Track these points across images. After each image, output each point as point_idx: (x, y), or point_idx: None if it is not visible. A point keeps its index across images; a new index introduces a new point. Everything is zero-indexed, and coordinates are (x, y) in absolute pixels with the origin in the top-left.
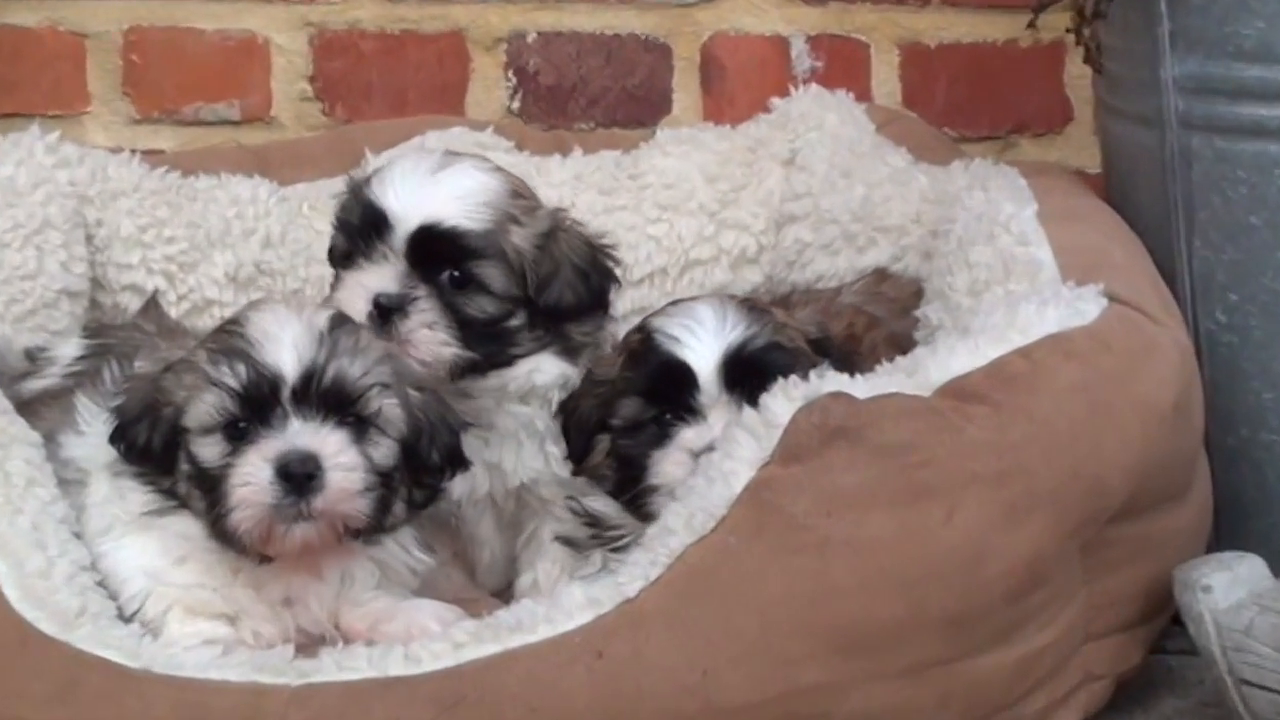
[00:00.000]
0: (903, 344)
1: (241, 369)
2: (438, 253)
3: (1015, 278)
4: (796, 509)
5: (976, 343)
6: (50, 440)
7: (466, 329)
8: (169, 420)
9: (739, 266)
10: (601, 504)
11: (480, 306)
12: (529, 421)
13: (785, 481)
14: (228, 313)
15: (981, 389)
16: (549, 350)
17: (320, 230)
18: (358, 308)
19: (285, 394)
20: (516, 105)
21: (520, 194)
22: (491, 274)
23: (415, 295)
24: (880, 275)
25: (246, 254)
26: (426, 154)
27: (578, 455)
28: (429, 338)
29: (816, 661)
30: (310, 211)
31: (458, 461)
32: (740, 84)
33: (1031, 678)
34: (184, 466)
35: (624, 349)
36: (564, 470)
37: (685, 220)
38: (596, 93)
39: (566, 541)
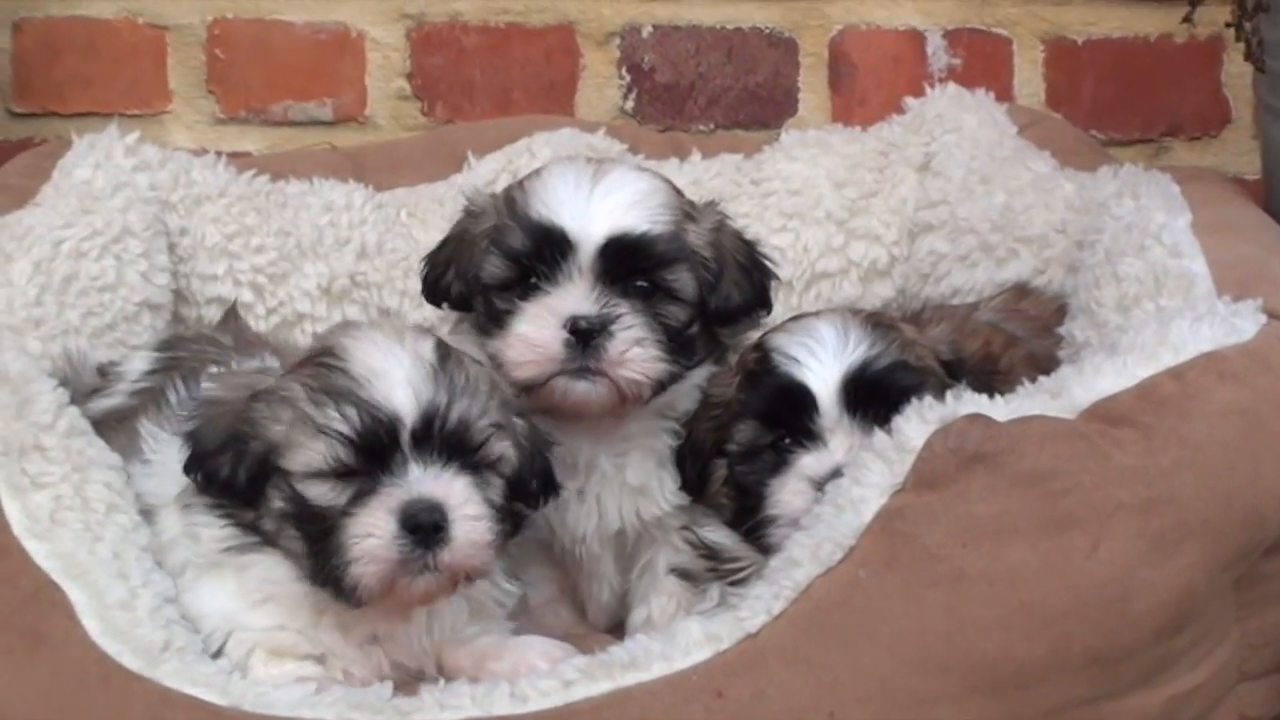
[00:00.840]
0: (1043, 365)
1: (354, 414)
2: (629, 264)
3: (1167, 292)
4: (931, 539)
5: (1125, 362)
6: None
7: (663, 338)
8: (257, 454)
9: (869, 279)
10: (719, 534)
11: (673, 315)
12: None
13: (919, 510)
14: (319, 327)
15: (1130, 412)
16: (709, 361)
17: (420, 240)
18: (550, 335)
19: (404, 438)
20: (630, 105)
21: (680, 192)
22: (682, 279)
23: (617, 313)
24: (1020, 291)
25: (340, 265)
26: (571, 164)
27: (694, 483)
28: (641, 355)
29: (951, 703)
30: (409, 219)
31: (551, 486)
32: (872, 82)
33: (1180, 719)
34: (276, 504)
35: (740, 368)
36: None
37: (812, 230)
38: (716, 92)
39: (683, 574)
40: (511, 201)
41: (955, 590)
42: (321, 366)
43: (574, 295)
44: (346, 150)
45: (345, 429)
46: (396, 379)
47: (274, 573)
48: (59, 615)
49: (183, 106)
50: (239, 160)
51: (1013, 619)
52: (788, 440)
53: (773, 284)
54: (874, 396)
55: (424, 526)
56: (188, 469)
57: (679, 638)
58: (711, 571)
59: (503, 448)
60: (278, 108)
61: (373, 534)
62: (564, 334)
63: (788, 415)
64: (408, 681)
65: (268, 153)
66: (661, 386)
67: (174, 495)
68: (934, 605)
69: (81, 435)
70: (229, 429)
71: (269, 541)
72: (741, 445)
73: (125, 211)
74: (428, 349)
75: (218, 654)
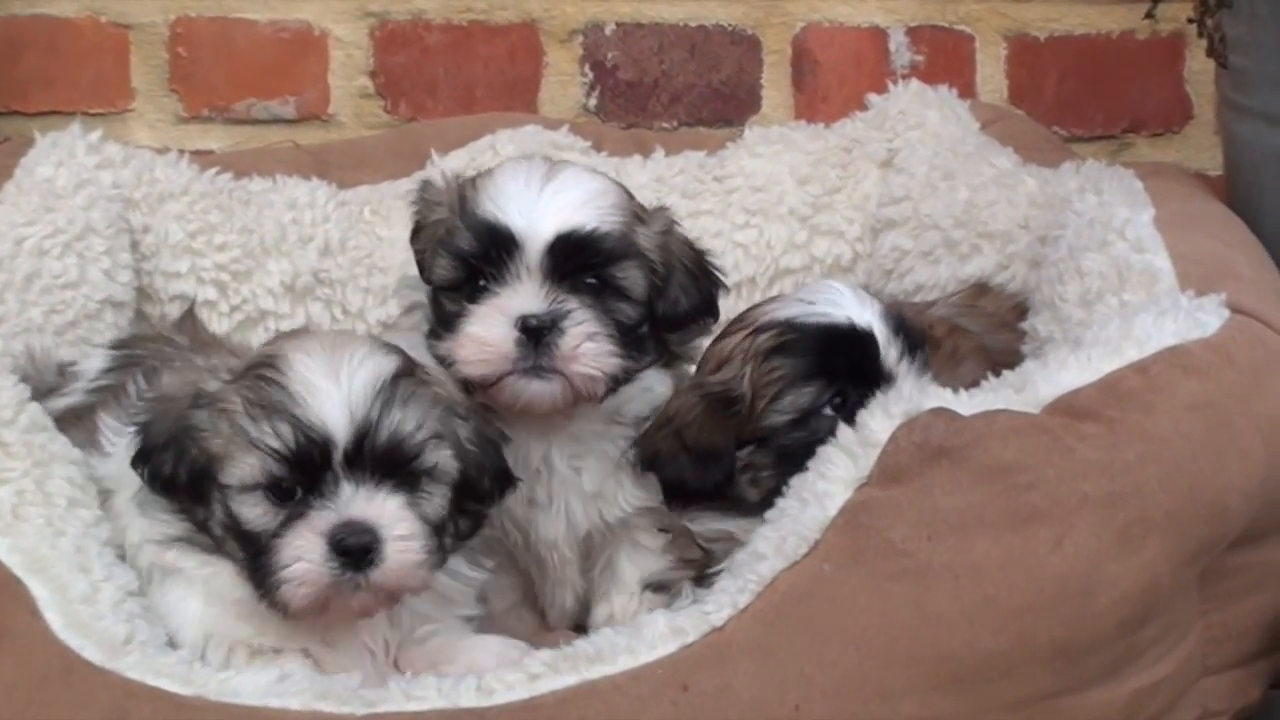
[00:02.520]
0: (997, 359)
1: (286, 431)
2: (578, 261)
3: (1130, 287)
4: (895, 533)
5: (1089, 356)
6: None
7: (615, 336)
8: (197, 462)
9: (833, 275)
10: (728, 523)
11: (623, 312)
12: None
13: (884, 504)
14: (283, 325)
15: (1094, 406)
16: (656, 365)
17: (383, 237)
18: (500, 334)
19: (337, 457)
20: (594, 102)
21: (631, 195)
22: (631, 276)
23: (567, 309)
24: (979, 289)
25: (304, 262)
26: (523, 163)
27: (714, 482)
28: (594, 350)
29: (916, 695)
30: (372, 216)
31: (506, 480)
32: (834, 79)
33: (1144, 713)
34: (219, 515)
35: (747, 355)
36: (656, 497)
37: (775, 226)
38: (680, 89)
39: (657, 587)
40: (463, 200)
41: (920, 583)
42: (261, 379)
43: (523, 294)
44: (310, 148)
45: (278, 445)
46: (332, 398)
47: (228, 577)
48: (21, 610)
49: (145, 105)
50: (202, 158)
51: (977, 612)
52: (849, 389)
53: (721, 292)
54: (912, 341)
55: (353, 550)
56: (134, 462)
57: (644, 631)
58: (692, 566)
59: (440, 457)
60: (241, 106)
61: (302, 557)
62: (515, 333)
63: (852, 364)
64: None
65: (231, 151)
66: (615, 383)
67: (131, 483)
68: (899, 598)
69: (43, 430)
70: (171, 429)
71: (219, 545)
72: (795, 412)
73: (88, 209)
74: (373, 365)
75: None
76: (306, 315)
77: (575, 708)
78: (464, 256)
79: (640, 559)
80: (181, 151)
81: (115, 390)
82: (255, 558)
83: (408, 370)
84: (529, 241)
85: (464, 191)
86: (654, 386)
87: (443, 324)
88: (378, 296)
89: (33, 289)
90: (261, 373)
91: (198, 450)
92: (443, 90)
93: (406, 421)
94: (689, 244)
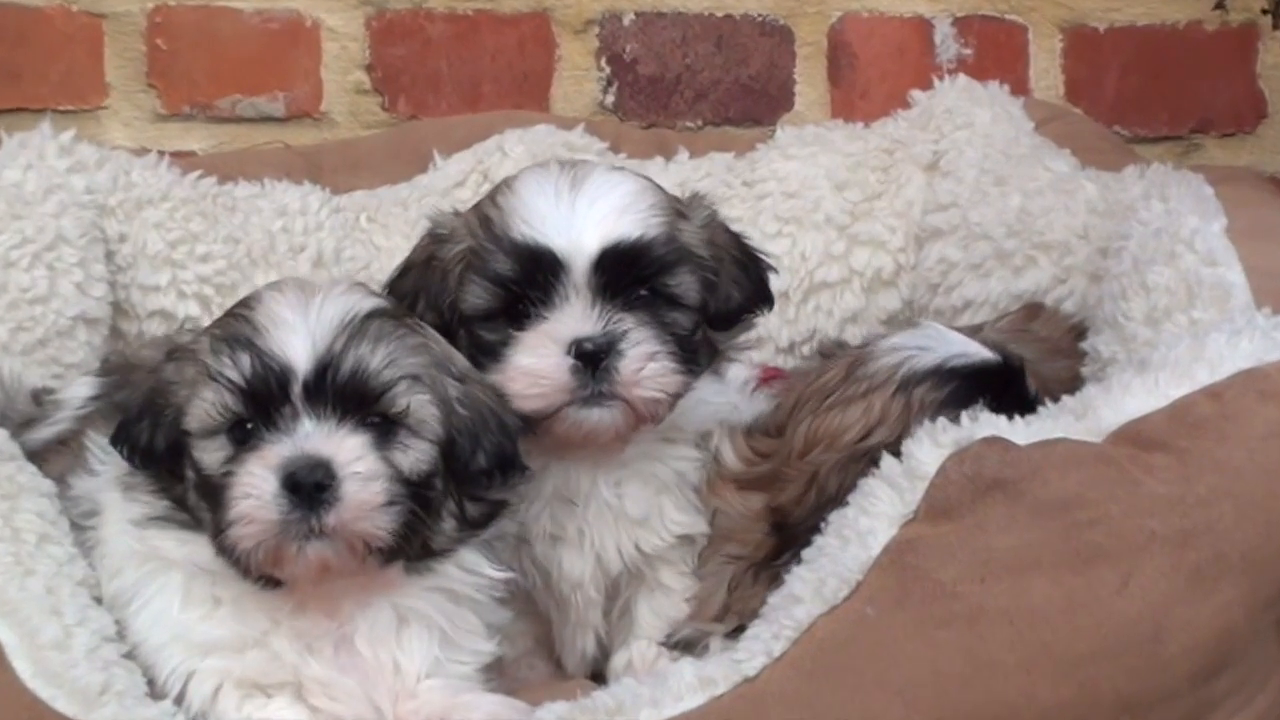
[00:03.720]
0: (1053, 390)
1: (245, 360)
2: (627, 274)
3: (1201, 304)
4: (945, 574)
5: (1156, 380)
6: (59, 482)
7: (675, 352)
8: (171, 420)
9: (873, 290)
10: None
11: (679, 323)
12: (688, 467)
13: (932, 542)
14: None
15: (1162, 434)
16: (708, 373)
17: (381, 246)
18: (553, 363)
19: (296, 390)
20: (610, 100)
21: (662, 188)
22: (684, 282)
23: (623, 329)
24: (1031, 310)
25: (294, 274)
26: (543, 173)
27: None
28: (656, 370)
29: None
30: (369, 224)
31: (510, 466)
32: (874, 75)
33: None
34: (189, 474)
35: (914, 406)
36: (705, 524)
37: (810, 235)
38: (705, 85)
39: (684, 645)
40: (488, 222)
41: (972, 629)
42: (229, 316)
43: (573, 317)
44: (301, 149)
45: (235, 376)
46: (295, 328)
47: (207, 558)
48: None
49: (121, 102)
50: (183, 160)
51: (1035, 661)
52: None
53: (772, 275)
54: None
55: (304, 485)
56: (114, 440)
57: (670, 682)
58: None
59: (415, 402)
60: (225, 103)
61: (251, 493)
62: (569, 360)
63: (1011, 399)
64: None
65: (214, 152)
66: (676, 401)
67: (117, 479)
68: (949, 646)
69: (10, 460)
70: (146, 394)
71: (196, 521)
72: None
73: (59, 217)
74: (346, 302)
75: (180, 699)
76: None
77: None
78: (502, 282)
79: (660, 603)
80: (161, 153)
81: (105, 411)
82: (215, 507)
83: (392, 314)
84: (573, 260)
85: (486, 213)
86: (710, 397)
87: (483, 354)
88: None
89: None
90: (232, 311)
91: (169, 407)
92: (446, 86)
93: (374, 357)
94: (729, 230)
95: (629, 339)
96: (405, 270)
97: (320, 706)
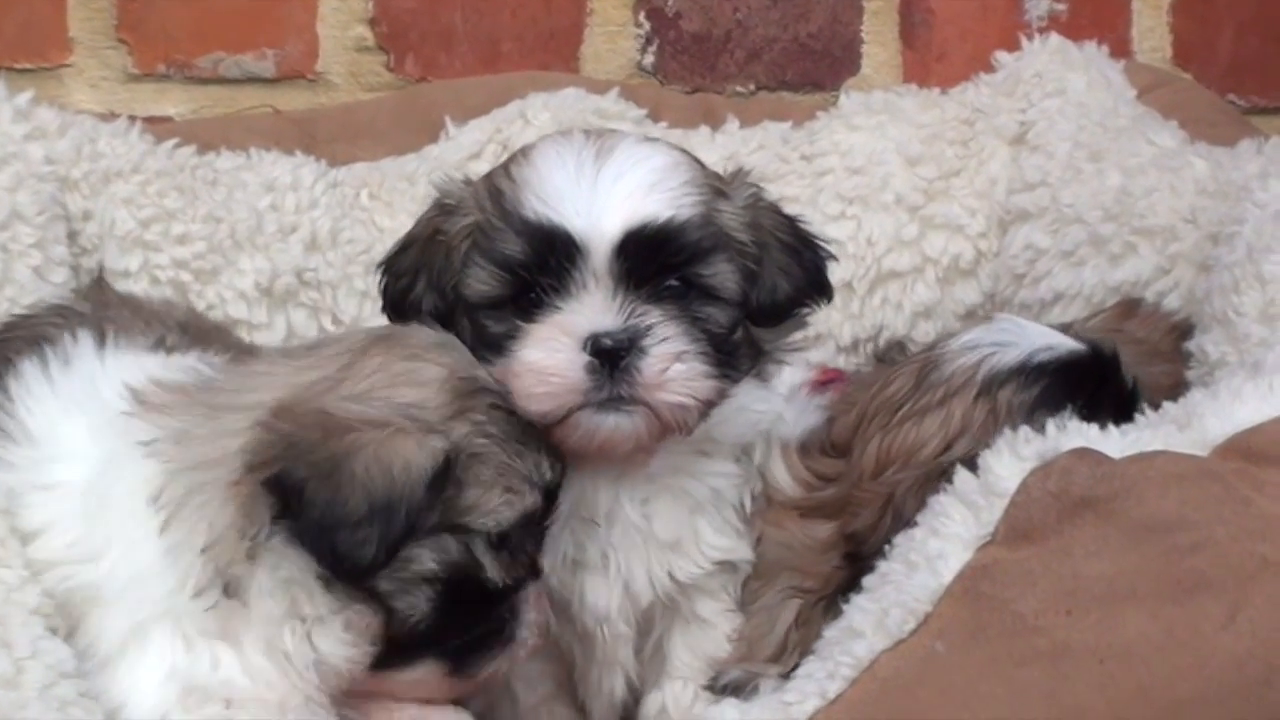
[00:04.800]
0: (1150, 398)
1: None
2: (655, 261)
3: None
4: (1025, 605)
5: (1271, 385)
6: None
7: (708, 352)
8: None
9: (949, 280)
10: None
11: (714, 319)
12: (725, 484)
13: (1011, 568)
14: (258, 336)
15: (1276, 448)
16: (750, 377)
17: (385, 227)
18: (566, 359)
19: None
20: (650, 60)
21: (702, 164)
22: (721, 272)
23: (647, 323)
24: (1125, 309)
25: (284, 259)
26: (564, 142)
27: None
28: (684, 372)
29: None
30: (371, 202)
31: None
32: (953, 34)
33: None
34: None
35: (1000, 412)
36: (748, 550)
37: (878, 218)
38: (758, 44)
39: (733, 689)
40: (498, 195)
41: (1057, 668)
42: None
43: (591, 308)
44: (293, 115)
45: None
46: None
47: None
48: None
49: (86, 59)
50: (158, 127)
51: (1129, 705)
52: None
53: (828, 262)
54: None
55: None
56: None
57: None
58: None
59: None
60: (206, 61)
61: (552, 357)
62: (584, 357)
63: (1108, 393)
64: None
65: (193, 118)
66: (708, 409)
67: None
68: (1030, 687)
69: None
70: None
71: None
72: None
73: (14, 191)
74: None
75: None
76: (287, 324)
77: None
78: (510, 266)
79: (697, 640)
80: (132, 118)
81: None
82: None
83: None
84: (592, 243)
85: (497, 184)
86: (751, 405)
87: (487, 346)
88: (378, 301)
89: None
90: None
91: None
92: (460, 43)
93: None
94: (778, 210)
95: (653, 335)
96: (406, 245)
97: None
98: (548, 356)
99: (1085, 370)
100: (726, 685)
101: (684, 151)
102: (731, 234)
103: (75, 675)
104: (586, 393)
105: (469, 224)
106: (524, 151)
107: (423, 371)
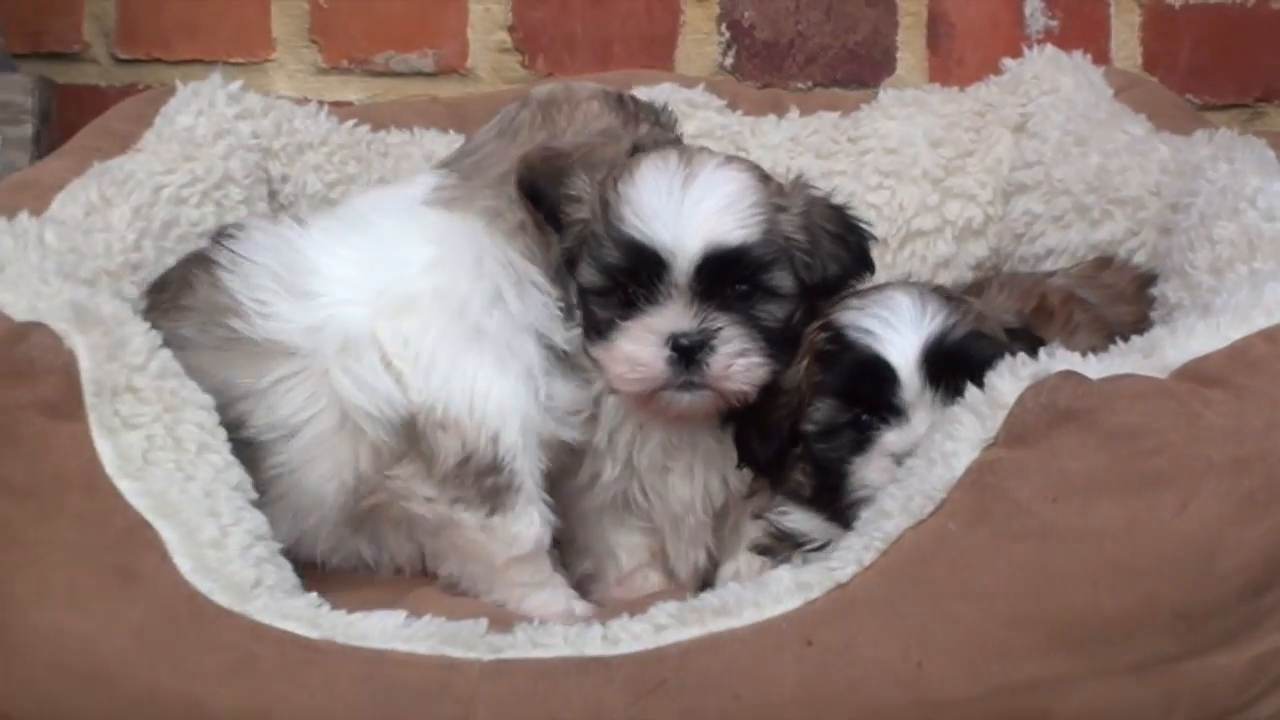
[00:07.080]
0: (1113, 331)
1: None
2: (726, 276)
3: (1261, 255)
4: (1021, 494)
5: (1218, 323)
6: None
7: (764, 342)
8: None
9: (964, 239)
10: (795, 520)
11: (773, 314)
12: None
13: (1010, 465)
14: None
15: (1222, 372)
16: None
17: None
18: (652, 353)
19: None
20: (729, 61)
21: (765, 175)
22: (779, 277)
23: (716, 327)
24: (1101, 262)
25: None
26: (661, 164)
27: (766, 467)
28: (744, 366)
29: (1037, 655)
30: None
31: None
32: (970, 43)
33: (1265, 680)
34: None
35: (808, 350)
36: None
37: (908, 188)
38: (815, 50)
39: (762, 550)
40: (605, 205)
41: (1044, 545)
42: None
43: (673, 312)
44: (447, 101)
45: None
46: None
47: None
48: (151, 553)
49: (286, 55)
50: (340, 110)
51: (1100, 574)
52: (866, 417)
53: (871, 242)
54: (953, 368)
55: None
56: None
57: (770, 585)
58: (788, 548)
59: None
60: (379, 58)
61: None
62: (666, 351)
63: (868, 391)
64: (504, 619)
65: (369, 103)
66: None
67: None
68: (1022, 559)
69: (174, 377)
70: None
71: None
72: (819, 425)
73: (227, 158)
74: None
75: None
76: None
77: (700, 659)
78: (612, 272)
79: (756, 539)
80: (320, 103)
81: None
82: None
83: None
84: (676, 260)
85: (606, 195)
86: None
87: (594, 329)
88: None
89: (170, 236)
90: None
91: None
92: (580, 46)
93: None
94: (828, 204)
95: (721, 336)
96: (555, 219)
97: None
98: (638, 350)
99: (860, 365)
100: (757, 546)
101: (753, 170)
102: (790, 238)
103: (267, 539)
104: (667, 379)
105: (583, 221)
106: (630, 168)
107: (590, 107)
